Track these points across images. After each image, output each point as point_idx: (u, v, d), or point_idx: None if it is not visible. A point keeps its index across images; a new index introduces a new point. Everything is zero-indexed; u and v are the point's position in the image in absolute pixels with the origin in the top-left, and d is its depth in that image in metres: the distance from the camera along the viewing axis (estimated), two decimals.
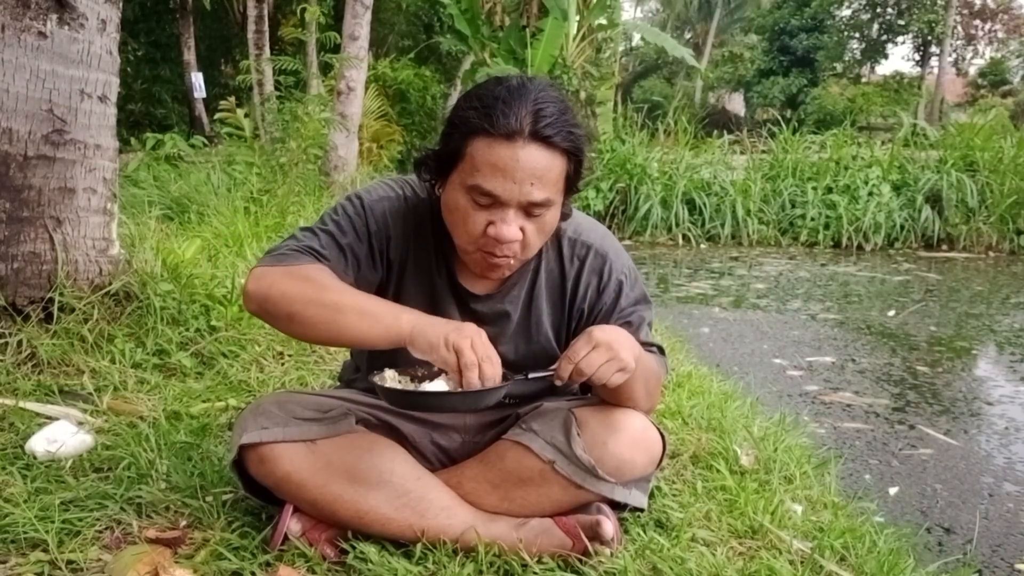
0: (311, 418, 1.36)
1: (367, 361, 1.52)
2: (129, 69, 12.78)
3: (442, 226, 1.38)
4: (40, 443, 1.69)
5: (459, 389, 1.19)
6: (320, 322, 1.24)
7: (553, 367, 1.25)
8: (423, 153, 1.33)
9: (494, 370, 1.17)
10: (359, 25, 7.38)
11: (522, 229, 1.26)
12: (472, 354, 1.15)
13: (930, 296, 5.69)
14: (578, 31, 11.57)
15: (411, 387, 1.28)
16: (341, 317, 1.23)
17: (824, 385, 3.50)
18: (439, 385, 1.25)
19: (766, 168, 8.99)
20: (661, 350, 1.49)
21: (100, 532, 1.41)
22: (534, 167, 1.21)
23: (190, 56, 13.15)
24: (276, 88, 7.56)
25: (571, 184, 1.30)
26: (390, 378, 1.29)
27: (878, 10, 27.66)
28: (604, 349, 1.20)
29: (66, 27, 2.21)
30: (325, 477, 1.32)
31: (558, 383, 1.24)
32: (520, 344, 1.45)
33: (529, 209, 1.25)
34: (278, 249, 1.33)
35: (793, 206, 8.51)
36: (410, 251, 1.40)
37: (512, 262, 1.30)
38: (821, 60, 26.97)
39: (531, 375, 1.29)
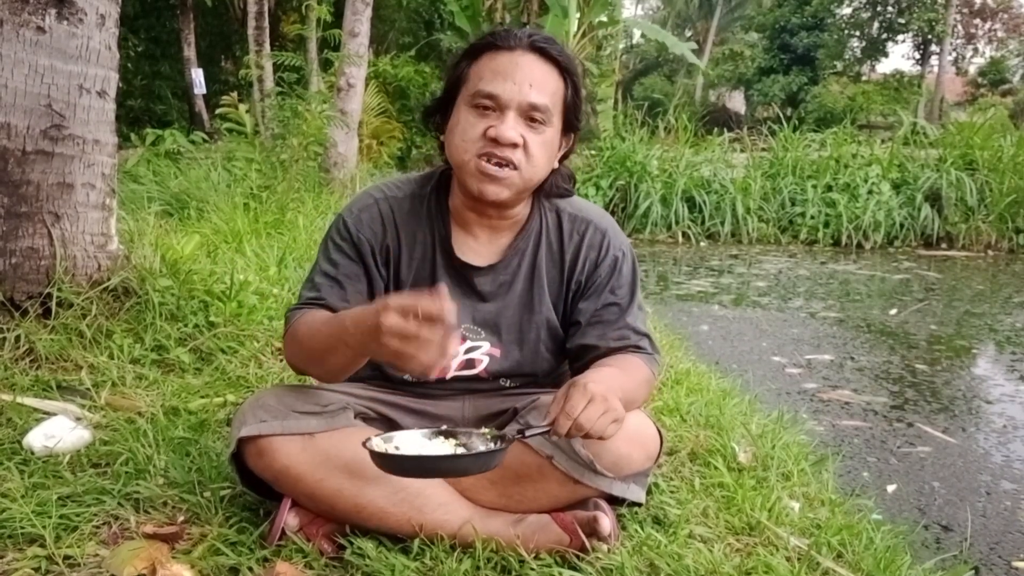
0: (310, 412, 1.37)
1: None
2: (129, 65, 12.77)
3: (438, 205, 1.44)
4: (38, 438, 1.68)
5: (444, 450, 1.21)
6: (324, 370, 1.37)
7: (548, 423, 1.21)
8: (430, 103, 1.43)
9: (435, 335, 1.06)
10: (359, 22, 7.37)
11: (523, 138, 1.31)
12: (395, 340, 1.07)
13: (931, 295, 5.69)
14: (578, 28, 11.57)
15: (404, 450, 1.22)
16: (327, 357, 1.31)
17: (823, 383, 3.50)
18: (441, 448, 1.23)
19: (766, 166, 8.99)
20: (651, 340, 1.50)
21: (98, 527, 1.41)
22: (532, 71, 1.31)
23: (190, 52, 13.15)
24: (277, 84, 7.55)
25: (569, 114, 1.37)
26: (377, 445, 1.21)
27: (878, 8, 27.62)
28: (600, 402, 1.18)
29: (65, 22, 2.21)
30: (323, 471, 1.32)
31: (554, 439, 1.26)
32: (524, 316, 1.48)
33: (529, 114, 1.31)
34: (289, 317, 1.42)
35: (793, 204, 8.52)
36: (400, 241, 1.45)
37: (511, 174, 1.32)
38: (821, 58, 26.93)
39: (528, 433, 1.23)
